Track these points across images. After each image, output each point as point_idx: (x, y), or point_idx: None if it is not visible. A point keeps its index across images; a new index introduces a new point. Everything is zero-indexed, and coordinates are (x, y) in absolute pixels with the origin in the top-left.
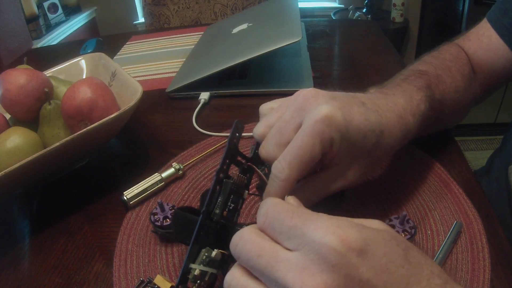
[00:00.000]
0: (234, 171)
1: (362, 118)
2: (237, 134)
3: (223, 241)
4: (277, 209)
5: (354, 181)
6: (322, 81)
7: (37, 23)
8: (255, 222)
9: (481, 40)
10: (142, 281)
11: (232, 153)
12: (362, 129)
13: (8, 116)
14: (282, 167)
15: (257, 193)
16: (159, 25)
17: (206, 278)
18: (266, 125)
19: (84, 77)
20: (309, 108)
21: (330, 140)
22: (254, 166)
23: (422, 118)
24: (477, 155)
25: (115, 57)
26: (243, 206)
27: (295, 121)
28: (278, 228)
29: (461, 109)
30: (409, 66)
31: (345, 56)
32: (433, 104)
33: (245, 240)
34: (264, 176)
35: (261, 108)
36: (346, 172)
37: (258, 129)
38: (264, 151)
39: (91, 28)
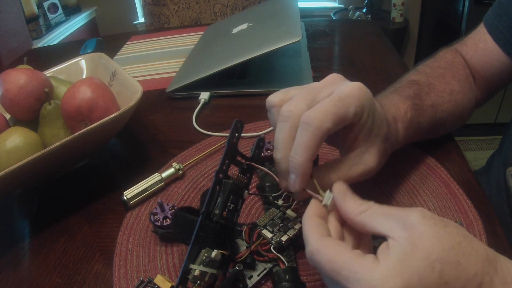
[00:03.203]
0: (234, 171)
1: (378, 104)
2: (236, 134)
3: (223, 241)
4: (317, 258)
5: (372, 167)
6: None
7: (37, 23)
8: (255, 222)
9: (478, 45)
10: (142, 281)
11: (231, 153)
12: (380, 111)
13: (8, 116)
14: (316, 115)
15: (257, 193)
16: (159, 25)
17: (206, 279)
18: (285, 94)
19: (84, 77)
20: (340, 83)
21: (362, 107)
22: (255, 164)
23: (409, 125)
24: (477, 155)
25: (115, 57)
26: (243, 206)
27: (326, 90)
28: (322, 275)
29: (460, 112)
30: (403, 77)
31: (345, 56)
32: (422, 111)
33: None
34: (270, 172)
35: (270, 100)
36: (365, 156)
37: (276, 96)
38: (293, 106)
39: (91, 28)
